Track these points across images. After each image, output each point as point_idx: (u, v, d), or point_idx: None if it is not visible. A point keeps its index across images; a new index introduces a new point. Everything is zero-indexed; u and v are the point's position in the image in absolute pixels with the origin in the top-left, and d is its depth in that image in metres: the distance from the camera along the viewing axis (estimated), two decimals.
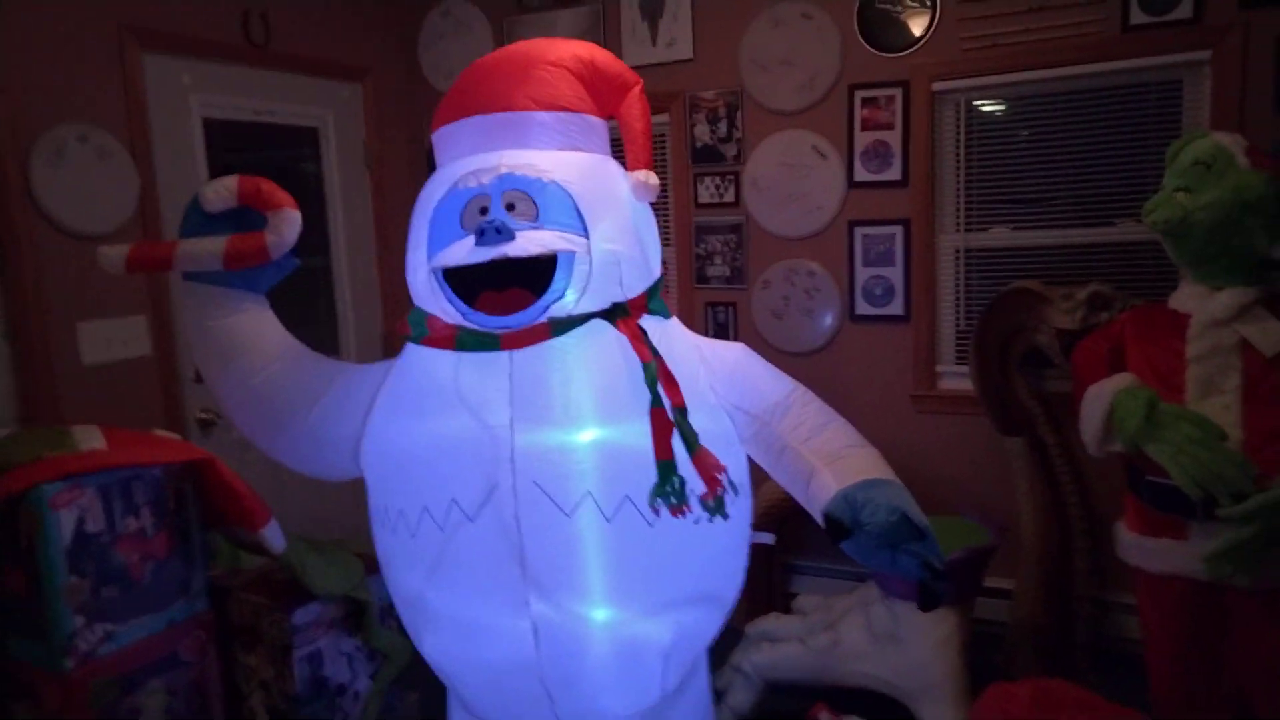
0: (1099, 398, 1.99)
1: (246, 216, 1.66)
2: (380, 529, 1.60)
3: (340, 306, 3.63)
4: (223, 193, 1.64)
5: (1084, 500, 2.80)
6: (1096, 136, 2.96)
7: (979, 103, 3.13)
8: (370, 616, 1.93)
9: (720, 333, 3.47)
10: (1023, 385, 2.83)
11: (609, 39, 3.46)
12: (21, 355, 2.55)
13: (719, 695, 2.66)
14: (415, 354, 1.53)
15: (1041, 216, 3.07)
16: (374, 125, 3.69)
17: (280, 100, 3.32)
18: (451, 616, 1.52)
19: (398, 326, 1.55)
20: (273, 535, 1.79)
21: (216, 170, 3.04)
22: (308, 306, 3.56)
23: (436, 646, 1.58)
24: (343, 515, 2.91)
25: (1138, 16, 2.78)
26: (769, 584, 3.22)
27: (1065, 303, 2.62)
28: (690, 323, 3.59)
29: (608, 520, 1.41)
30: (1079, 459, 2.75)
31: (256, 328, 1.70)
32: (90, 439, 1.71)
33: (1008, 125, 3.12)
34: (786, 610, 2.85)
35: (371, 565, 1.91)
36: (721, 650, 2.70)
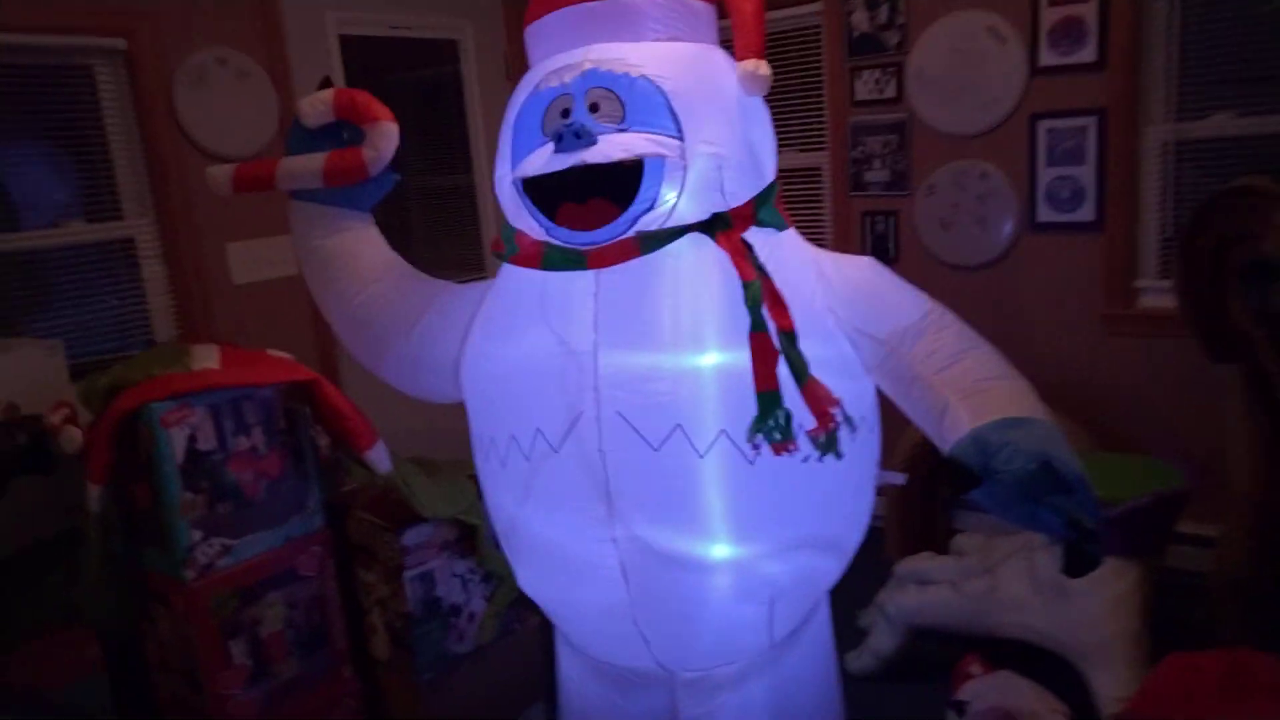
0: None
1: (350, 132, 1.59)
2: (477, 455, 1.54)
3: (483, 223, 3.61)
4: (319, 106, 1.61)
5: None
6: None
7: None
8: (482, 539, 1.91)
9: (879, 244, 3.17)
10: (1241, 303, 2.39)
11: None
12: (174, 276, 2.68)
13: (861, 635, 2.49)
14: (509, 273, 1.44)
15: (1277, 98, 2.54)
16: (515, 33, 3.58)
17: (417, 13, 3.26)
18: (542, 551, 1.45)
19: (493, 244, 1.46)
20: (378, 456, 1.78)
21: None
22: (452, 224, 3.56)
23: (529, 580, 1.54)
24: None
25: None
26: (926, 519, 2.97)
27: None
28: (845, 234, 3.33)
29: (700, 456, 1.28)
30: None
31: (358, 247, 1.67)
32: (205, 358, 1.74)
33: None
34: (945, 550, 2.61)
35: None
36: (869, 587, 2.52)
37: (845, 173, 3.22)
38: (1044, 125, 2.82)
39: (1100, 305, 2.86)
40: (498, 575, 1.99)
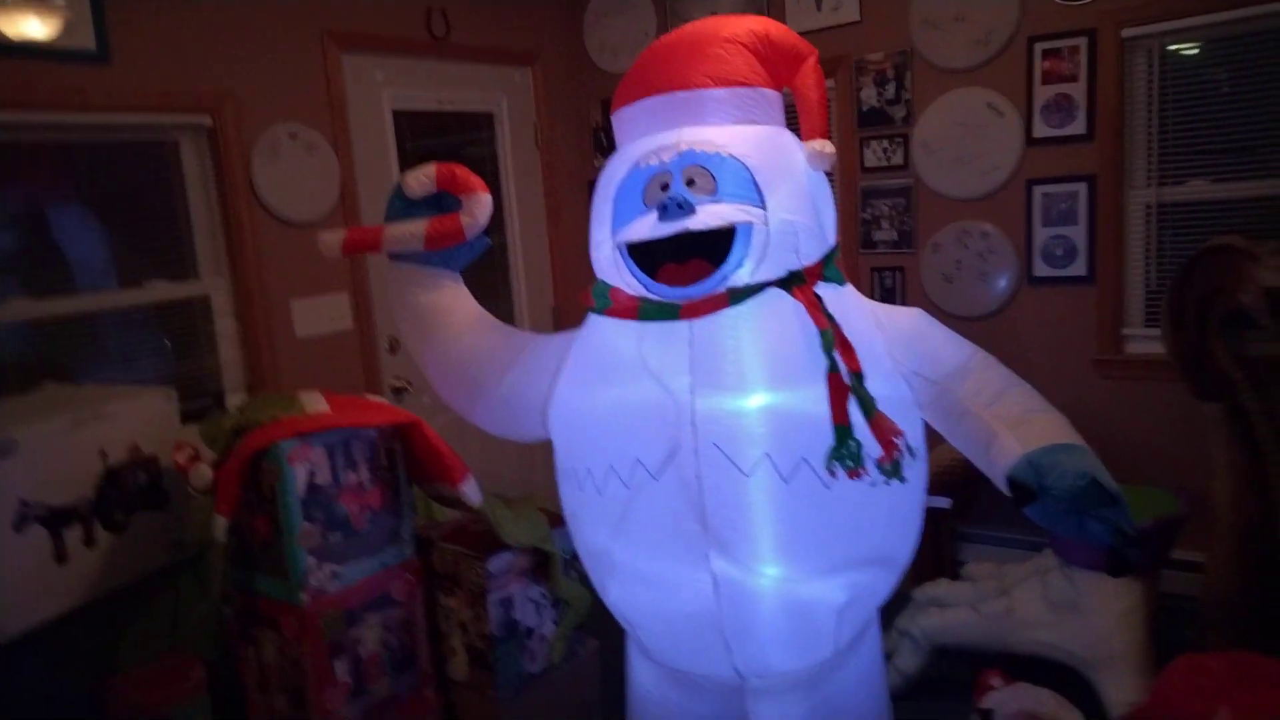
0: None
1: (443, 200, 1.79)
2: (568, 486, 1.69)
3: (514, 281, 3.83)
4: (423, 180, 1.76)
5: None
6: None
7: (1175, 47, 2.91)
8: (555, 566, 2.08)
9: (887, 297, 3.43)
10: (1223, 349, 2.65)
11: (772, 7, 3.45)
12: (246, 331, 2.87)
13: (886, 657, 2.67)
14: (598, 324, 1.61)
15: (1246, 166, 2.85)
16: (543, 107, 3.85)
17: (459, 89, 3.52)
18: (636, 569, 1.59)
19: (581, 298, 1.63)
20: (471, 490, 1.96)
21: (406, 158, 3.28)
22: (485, 281, 3.77)
23: (622, 597, 1.65)
24: (517, 474, 3.10)
25: None
26: (937, 550, 3.18)
27: (1274, 259, 2.43)
28: (855, 288, 3.56)
29: (785, 481, 1.44)
30: None
31: (453, 302, 1.84)
32: (315, 403, 1.92)
33: (1207, 68, 2.89)
34: (954, 577, 2.82)
35: (555, 519, 2.05)
36: (888, 614, 2.70)
37: (856, 232, 3.49)
38: (1039, 190, 3.10)
39: (1092, 351, 3.12)
40: (566, 600, 2.15)
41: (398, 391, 3.34)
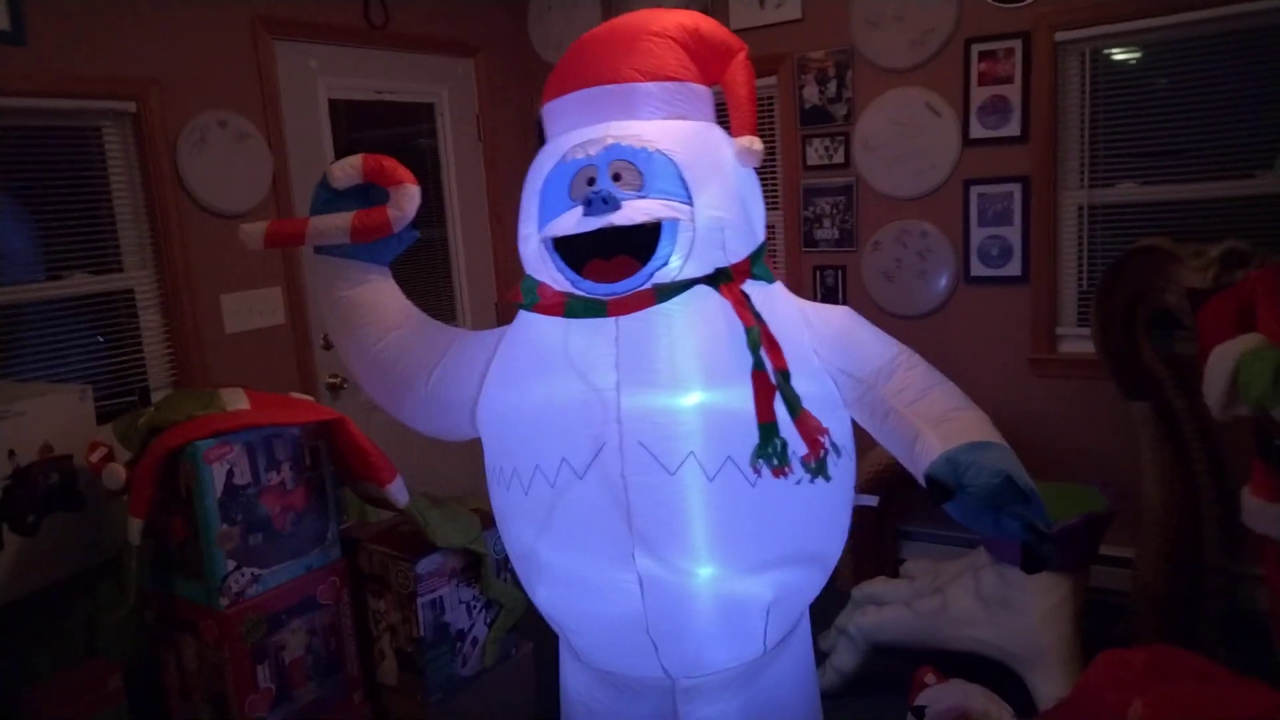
0: (1224, 359, 1.91)
1: (371, 192, 1.74)
2: (496, 486, 1.66)
3: (456, 276, 3.77)
4: (349, 170, 1.71)
5: (1214, 467, 2.67)
6: (1236, 83, 2.77)
7: (1107, 51, 2.97)
8: (487, 568, 2.05)
9: (829, 296, 3.44)
10: (1149, 348, 2.71)
11: (715, 4, 3.44)
12: (173, 326, 2.78)
13: (823, 656, 2.68)
14: (527, 320, 1.59)
15: (1174, 170, 2.91)
16: (486, 99, 3.80)
17: (399, 79, 3.46)
18: (562, 569, 1.57)
19: (510, 294, 1.61)
20: (398, 490, 1.92)
21: (342, 149, 3.21)
22: (426, 276, 3.71)
23: (549, 598, 1.64)
24: (460, 473, 3.05)
25: None
26: (876, 548, 3.21)
27: (1196, 260, 2.49)
28: (798, 287, 3.59)
29: (710, 479, 1.44)
30: (1209, 424, 2.62)
31: (380, 297, 1.79)
32: (236, 400, 1.87)
33: (1138, 73, 2.95)
34: (893, 575, 2.84)
35: (488, 520, 2.02)
36: (826, 612, 2.72)
37: (798, 230, 3.51)
38: (975, 190, 3.14)
39: (1027, 350, 3.17)
40: (499, 602, 2.13)
41: (334, 388, 3.28)
